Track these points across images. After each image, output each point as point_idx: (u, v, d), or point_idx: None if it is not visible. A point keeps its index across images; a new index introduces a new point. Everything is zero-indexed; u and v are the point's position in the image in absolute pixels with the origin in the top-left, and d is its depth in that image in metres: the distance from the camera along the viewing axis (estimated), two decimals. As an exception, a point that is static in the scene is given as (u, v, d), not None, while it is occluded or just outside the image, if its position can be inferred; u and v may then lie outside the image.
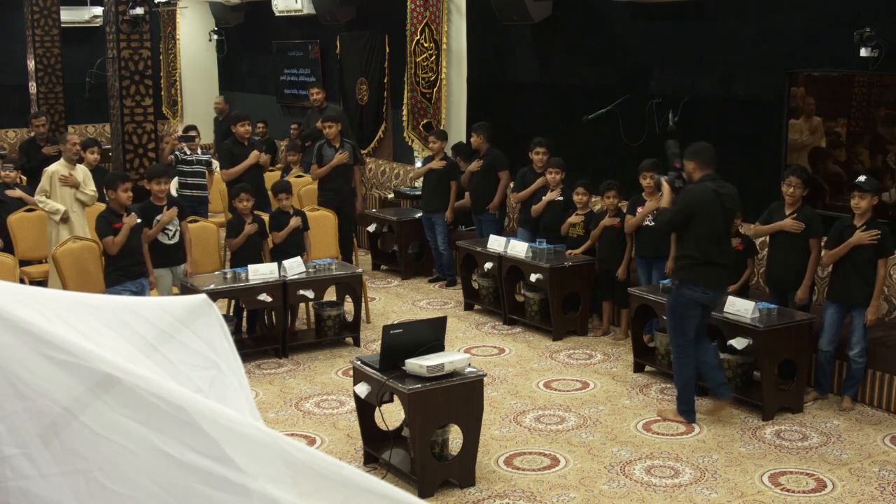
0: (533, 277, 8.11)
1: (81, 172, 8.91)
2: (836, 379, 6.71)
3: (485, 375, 5.57)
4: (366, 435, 5.76)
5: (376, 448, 5.73)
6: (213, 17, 16.42)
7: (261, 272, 7.59)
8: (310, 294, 7.75)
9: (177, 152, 10.25)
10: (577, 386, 7.06)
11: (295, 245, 8.26)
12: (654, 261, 7.71)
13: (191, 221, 8.21)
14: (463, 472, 5.43)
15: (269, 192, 9.09)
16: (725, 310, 6.53)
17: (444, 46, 10.97)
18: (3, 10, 15.56)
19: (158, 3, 14.22)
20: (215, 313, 3.36)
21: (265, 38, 15.18)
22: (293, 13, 13.53)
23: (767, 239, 7.02)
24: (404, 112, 11.49)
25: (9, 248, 8.64)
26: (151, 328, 3.15)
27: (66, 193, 8.77)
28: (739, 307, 6.46)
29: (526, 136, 9.29)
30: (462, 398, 5.34)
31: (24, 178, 10.42)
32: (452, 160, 9.92)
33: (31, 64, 13.49)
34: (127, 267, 7.23)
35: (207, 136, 14.47)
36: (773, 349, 6.36)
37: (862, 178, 6.43)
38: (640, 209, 7.70)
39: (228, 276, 7.56)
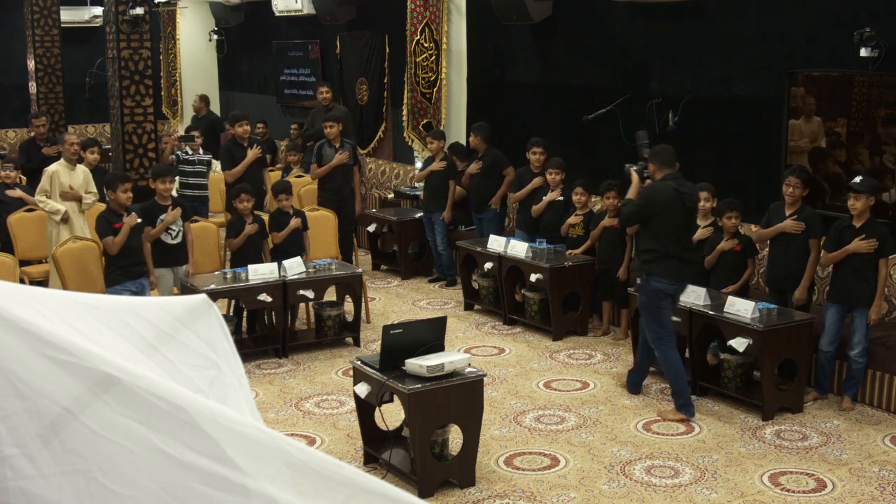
0: (533, 277, 8.11)
1: (81, 173, 8.91)
2: (836, 379, 6.71)
3: (485, 375, 5.57)
4: (366, 435, 5.76)
5: (376, 448, 5.73)
6: (213, 17, 16.41)
7: (261, 272, 7.59)
8: (310, 294, 7.76)
9: (177, 152, 10.26)
10: (577, 386, 7.06)
11: (295, 245, 8.26)
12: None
13: (192, 222, 8.21)
14: (463, 472, 5.43)
15: (269, 192, 9.11)
16: (725, 310, 6.53)
17: (444, 46, 10.97)
18: (3, 10, 15.56)
19: (158, 3, 14.22)
20: (215, 313, 3.36)
21: (265, 38, 15.18)
22: (293, 13, 13.53)
23: (767, 240, 7.02)
24: (404, 112, 11.49)
25: (9, 248, 8.64)
26: (151, 328, 3.15)
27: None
28: (739, 307, 6.46)
29: (526, 136, 9.29)
30: (462, 398, 5.34)
31: (24, 178, 10.42)
32: (451, 160, 9.92)
33: (31, 64, 13.49)
34: (127, 267, 7.23)
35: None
36: (773, 349, 6.36)
37: (857, 180, 6.43)
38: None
39: (228, 276, 7.57)
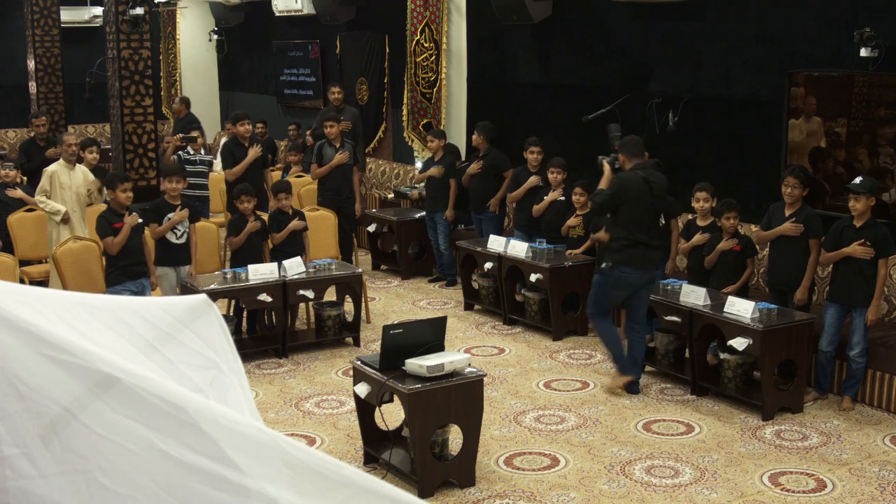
0: (533, 277, 8.11)
1: (81, 173, 8.91)
2: (836, 379, 6.71)
3: (485, 375, 5.57)
4: (366, 435, 5.76)
5: (376, 448, 5.72)
6: (213, 17, 16.42)
7: (261, 272, 7.59)
8: (310, 294, 7.76)
9: (179, 152, 10.27)
10: (577, 386, 7.06)
11: (295, 245, 8.26)
12: (654, 261, 7.72)
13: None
14: (463, 472, 5.43)
15: (270, 192, 9.10)
16: (725, 310, 6.53)
17: (444, 46, 10.97)
18: (3, 10, 15.56)
19: (158, 3, 14.22)
20: (215, 313, 3.36)
21: (265, 38, 15.18)
22: (293, 13, 13.54)
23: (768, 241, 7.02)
24: (404, 112, 11.50)
25: (9, 248, 8.64)
26: (151, 328, 3.15)
27: (66, 194, 8.76)
28: (739, 307, 6.46)
29: (526, 136, 9.29)
30: (462, 398, 5.34)
31: (24, 178, 10.42)
32: (451, 160, 9.92)
33: (31, 64, 13.49)
34: (127, 267, 7.23)
35: (207, 136, 14.45)
36: (773, 349, 6.36)
37: (857, 181, 6.42)
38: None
39: (228, 276, 7.56)
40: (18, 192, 9.27)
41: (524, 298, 8.54)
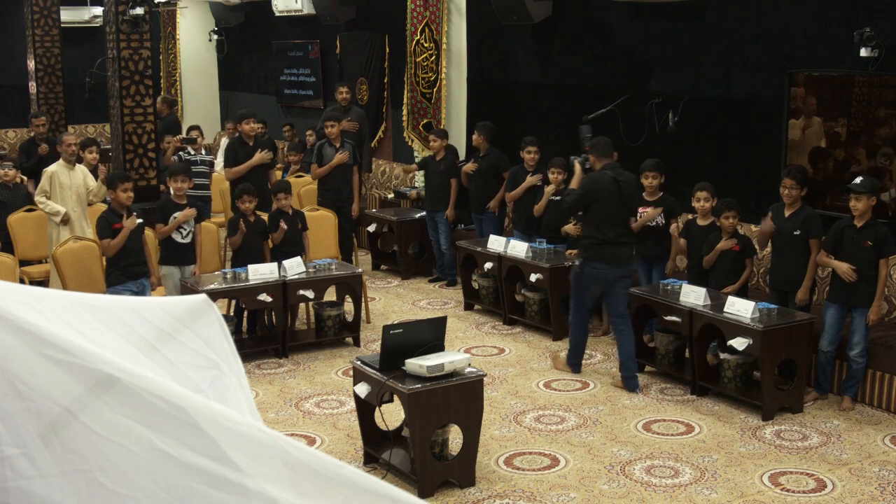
0: (533, 277, 8.11)
1: (81, 172, 8.91)
2: (836, 379, 6.71)
3: (485, 375, 5.57)
4: (366, 435, 5.76)
5: (376, 448, 5.73)
6: (213, 17, 16.41)
7: (261, 272, 7.59)
8: (310, 294, 7.75)
9: (179, 153, 10.27)
10: (577, 386, 7.06)
11: (295, 245, 8.26)
12: (655, 261, 7.72)
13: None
14: (463, 472, 5.43)
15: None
16: (725, 310, 6.53)
17: (444, 46, 10.97)
18: (3, 10, 15.56)
19: (158, 3, 14.22)
20: (215, 313, 3.36)
21: (265, 38, 15.18)
22: (293, 13, 13.54)
23: (770, 243, 7.02)
24: (404, 112, 11.50)
25: (9, 248, 8.64)
26: (151, 328, 3.15)
27: (67, 194, 8.76)
28: (739, 307, 6.46)
29: (526, 136, 9.29)
30: (462, 398, 5.34)
31: (24, 178, 10.42)
32: (452, 159, 9.92)
33: (31, 64, 13.49)
34: (128, 267, 7.23)
35: (207, 136, 14.44)
36: (773, 349, 6.36)
37: (858, 180, 6.42)
38: (641, 210, 7.70)
39: (228, 276, 7.57)
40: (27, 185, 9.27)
41: (524, 298, 8.54)
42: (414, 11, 11.14)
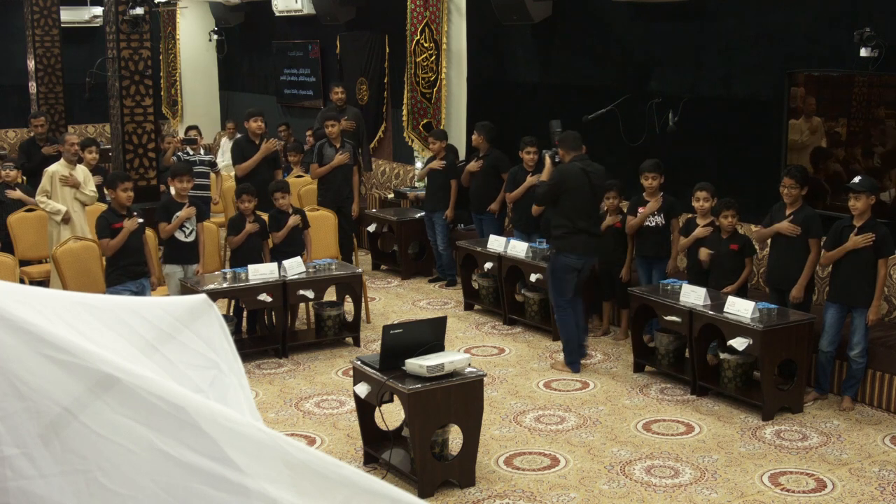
0: (533, 277, 8.10)
1: (81, 173, 8.91)
2: (836, 379, 6.71)
3: (485, 375, 5.57)
4: (366, 435, 5.76)
5: (376, 448, 5.73)
6: (213, 17, 16.42)
7: (261, 272, 7.59)
8: (310, 294, 7.75)
9: (179, 153, 10.26)
10: (577, 386, 7.06)
11: (295, 244, 8.26)
12: (654, 261, 7.72)
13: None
14: (463, 472, 5.43)
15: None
16: (725, 310, 6.53)
17: (444, 46, 10.97)
18: (3, 10, 15.56)
19: (158, 3, 14.22)
20: (215, 313, 3.36)
21: (265, 38, 15.18)
22: (293, 13, 13.54)
23: (769, 241, 7.02)
24: (404, 112, 11.50)
25: (9, 248, 8.64)
26: (151, 328, 3.15)
27: (67, 194, 8.76)
28: (739, 307, 6.46)
29: (525, 136, 9.29)
30: (462, 398, 5.34)
31: (24, 178, 10.42)
32: (452, 159, 9.92)
33: (31, 64, 13.49)
34: (128, 267, 7.24)
35: (208, 136, 14.46)
36: (773, 349, 6.36)
37: (856, 180, 6.42)
38: (640, 210, 7.71)
39: (228, 276, 7.57)
40: (17, 193, 9.27)
41: (524, 298, 8.53)
42: (414, 11, 11.14)
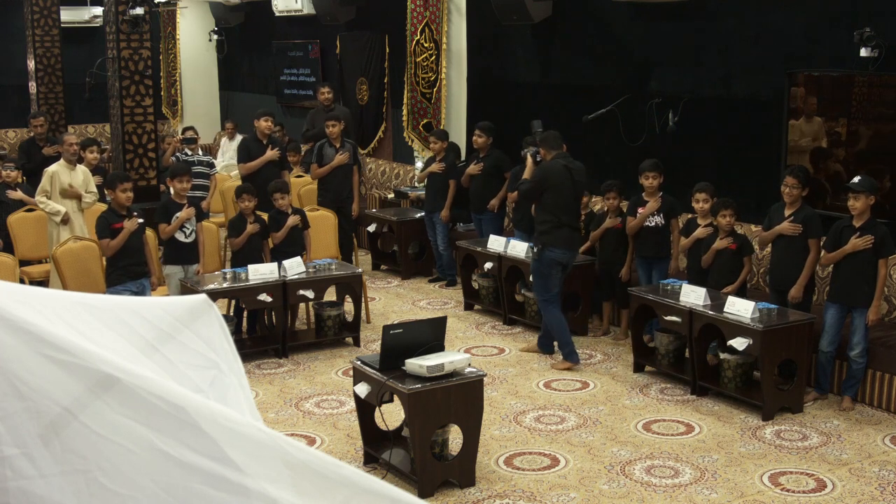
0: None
1: (81, 173, 8.91)
2: (836, 379, 6.71)
3: (485, 375, 5.57)
4: (366, 435, 5.76)
5: (376, 448, 5.73)
6: (213, 17, 16.41)
7: (261, 272, 7.59)
8: (310, 294, 7.75)
9: (178, 154, 10.26)
10: (577, 386, 7.06)
11: (295, 244, 8.26)
12: (654, 261, 7.72)
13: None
14: (463, 472, 5.43)
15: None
16: (725, 310, 6.53)
17: (444, 46, 10.96)
18: (3, 10, 15.56)
19: (158, 3, 14.22)
20: (215, 313, 3.36)
21: (265, 38, 15.18)
22: (293, 13, 13.53)
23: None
24: (404, 112, 11.49)
25: (9, 248, 8.63)
26: (151, 328, 3.15)
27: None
28: (739, 307, 6.46)
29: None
30: (462, 398, 5.34)
31: (24, 178, 10.42)
32: (452, 159, 9.92)
33: (31, 64, 13.49)
34: (128, 267, 7.24)
35: (207, 136, 14.45)
36: (773, 349, 6.36)
37: (856, 179, 6.42)
38: (640, 210, 7.71)
39: (228, 276, 7.57)
40: (18, 194, 9.27)
41: (524, 298, 8.54)
42: (414, 11, 11.14)
